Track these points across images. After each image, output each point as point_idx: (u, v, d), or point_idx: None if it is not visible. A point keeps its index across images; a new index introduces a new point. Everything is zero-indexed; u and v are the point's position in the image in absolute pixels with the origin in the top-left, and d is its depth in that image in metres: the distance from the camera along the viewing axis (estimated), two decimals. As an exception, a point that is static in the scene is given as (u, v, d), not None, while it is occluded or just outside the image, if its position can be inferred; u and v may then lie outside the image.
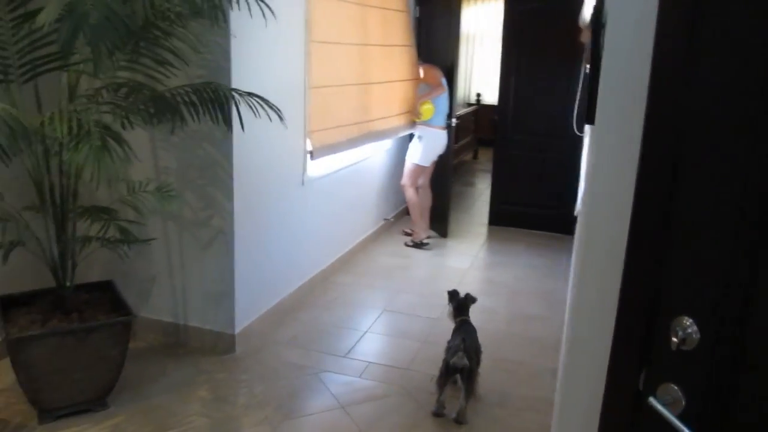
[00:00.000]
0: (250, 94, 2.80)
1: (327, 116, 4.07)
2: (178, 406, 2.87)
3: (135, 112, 2.56)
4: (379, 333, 3.76)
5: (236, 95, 2.77)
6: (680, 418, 1.04)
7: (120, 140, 2.30)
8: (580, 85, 4.02)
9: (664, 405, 1.08)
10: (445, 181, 5.55)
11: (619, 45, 1.35)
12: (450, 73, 5.32)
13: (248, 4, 2.77)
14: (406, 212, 5.88)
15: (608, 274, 1.37)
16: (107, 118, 2.53)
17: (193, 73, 3.00)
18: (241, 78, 3.07)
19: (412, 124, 5.33)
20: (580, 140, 4.37)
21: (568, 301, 2.14)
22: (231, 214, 3.22)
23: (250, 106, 2.81)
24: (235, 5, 2.80)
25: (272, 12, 2.89)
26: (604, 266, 1.42)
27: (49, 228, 2.72)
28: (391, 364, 3.36)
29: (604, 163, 1.41)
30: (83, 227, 2.92)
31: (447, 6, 5.39)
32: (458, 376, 2.82)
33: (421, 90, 5.31)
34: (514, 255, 5.35)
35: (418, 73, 5.34)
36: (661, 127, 1.17)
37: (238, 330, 3.39)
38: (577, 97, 3.97)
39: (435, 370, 2.95)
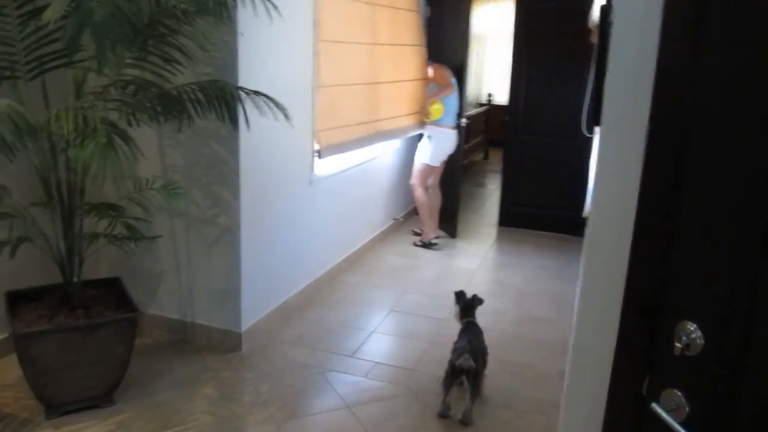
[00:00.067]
0: (256, 92, 2.80)
1: (335, 115, 4.06)
2: (184, 403, 2.87)
3: (141, 109, 2.57)
4: (386, 333, 3.75)
5: (242, 93, 2.77)
6: (684, 424, 1.02)
7: (126, 137, 2.30)
8: (590, 86, 3.98)
9: (667, 411, 1.06)
10: (454, 181, 5.52)
11: (625, 45, 1.33)
12: (459, 73, 5.30)
13: (253, 1, 2.77)
14: (415, 212, 5.85)
15: (613, 278, 1.35)
16: (114, 116, 2.53)
17: (200, 71, 3.01)
18: (248, 76, 3.07)
19: (422, 123, 5.31)
20: (590, 141, 4.34)
21: (575, 304, 2.12)
22: (237, 212, 3.22)
23: (256, 105, 2.81)
24: (239, 2, 2.80)
25: (277, 9, 2.88)
26: (608, 270, 1.40)
27: (57, 224, 2.74)
28: (398, 365, 3.35)
29: (609, 164, 1.39)
30: (90, 224, 2.93)
31: (457, 6, 5.37)
32: (464, 378, 2.80)
33: (431, 90, 5.29)
34: (523, 256, 5.32)
35: (428, 73, 5.33)
36: (665, 127, 1.15)
37: (244, 328, 3.39)
38: (587, 98, 3.94)
39: (442, 371, 2.93)
